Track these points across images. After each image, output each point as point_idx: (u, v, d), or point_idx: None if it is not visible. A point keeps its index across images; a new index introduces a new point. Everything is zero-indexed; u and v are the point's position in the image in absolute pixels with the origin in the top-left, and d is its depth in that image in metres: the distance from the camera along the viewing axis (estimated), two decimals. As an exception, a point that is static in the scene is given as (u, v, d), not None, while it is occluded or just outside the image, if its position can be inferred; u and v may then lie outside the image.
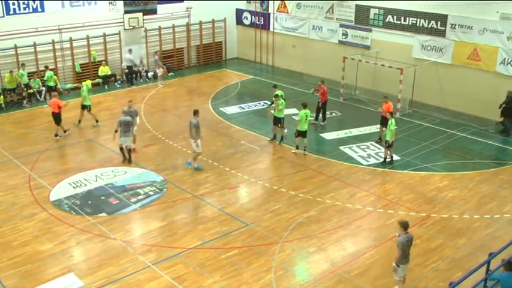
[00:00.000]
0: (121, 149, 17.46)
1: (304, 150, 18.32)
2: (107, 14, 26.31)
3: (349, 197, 15.35)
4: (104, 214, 14.40)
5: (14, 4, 23.47)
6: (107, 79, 26.41)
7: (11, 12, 23.48)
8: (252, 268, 12.05)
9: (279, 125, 19.00)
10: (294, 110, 21.27)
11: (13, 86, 23.42)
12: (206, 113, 22.05)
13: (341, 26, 26.32)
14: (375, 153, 18.37)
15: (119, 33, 27.08)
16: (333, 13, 26.62)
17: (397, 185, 16.13)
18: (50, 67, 24.26)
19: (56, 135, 19.59)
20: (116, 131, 17.23)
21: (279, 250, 12.76)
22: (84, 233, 13.47)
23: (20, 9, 23.69)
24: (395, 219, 13.74)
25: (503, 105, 20.14)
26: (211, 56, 31.34)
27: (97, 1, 25.82)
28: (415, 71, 22.42)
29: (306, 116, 17.96)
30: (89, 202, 15.00)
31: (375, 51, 24.76)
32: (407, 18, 23.55)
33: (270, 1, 29.66)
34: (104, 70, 26.30)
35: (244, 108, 23.22)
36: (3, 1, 23.12)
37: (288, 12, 28.88)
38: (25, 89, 23.75)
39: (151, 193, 15.56)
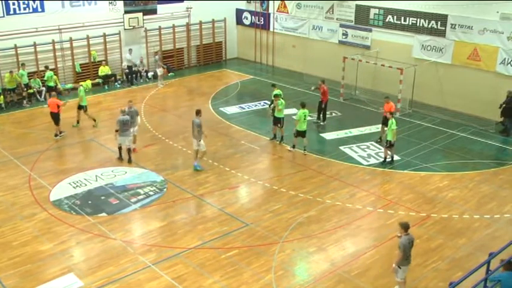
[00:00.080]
0: (119, 148, 17.49)
1: (304, 150, 18.32)
2: (107, 14, 26.31)
3: (349, 197, 15.35)
4: (104, 214, 14.40)
5: (14, 4, 23.47)
6: (107, 79, 26.41)
7: (11, 12, 23.49)
8: (252, 268, 12.06)
9: (279, 125, 19.01)
10: (293, 110, 21.25)
11: (13, 86, 23.42)
12: (206, 113, 22.01)
13: (341, 26, 26.32)
14: (375, 153, 18.37)
15: (119, 33, 27.08)
16: (333, 13, 26.62)
17: (397, 185, 16.13)
18: (50, 67, 24.25)
19: (56, 135, 19.60)
20: (117, 131, 17.24)
21: (279, 250, 12.77)
22: (84, 233, 13.47)
23: (20, 9, 23.70)
24: (396, 219, 13.79)
25: (503, 105, 20.14)
26: (211, 56, 31.35)
27: (97, 1, 25.82)
28: (415, 71, 22.42)
29: (305, 115, 17.97)
30: (89, 202, 15.01)
31: (375, 51, 24.76)
32: (408, 18, 23.55)
33: (270, 1, 29.66)
34: (104, 70, 26.31)
35: (244, 108, 23.22)
36: (3, 1, 23.12)
37: (288, 12, 28.88)
38: (25, 89, 23.75)
39: (151, 193, 15.56)
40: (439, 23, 22.48)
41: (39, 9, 24.19)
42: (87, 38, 25.96)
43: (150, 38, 28.43)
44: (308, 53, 28.06)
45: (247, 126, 20.99)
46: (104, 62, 26.39)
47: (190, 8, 29.29)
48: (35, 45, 24.36)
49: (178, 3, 28.83)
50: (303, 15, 28.10)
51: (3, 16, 23.30)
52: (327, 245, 13.00)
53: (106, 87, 26.24)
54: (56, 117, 19.37)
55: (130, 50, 26.67)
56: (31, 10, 23.98)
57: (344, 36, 26.32)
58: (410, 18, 23.44)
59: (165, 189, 15.77)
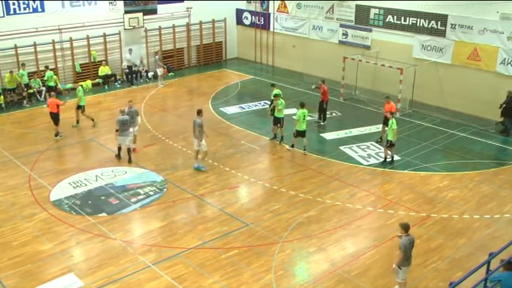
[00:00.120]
0: (119, 148, 17.49)
1: (304, 150, 18.32)
2: (107, 14, 26.32)
3: (349, 197, 15.35)
4: (104, 214, 14.40)
5: (14, 4, 23.47)
6: (107, 79, 26.41)
7: (11, 12, 23.49)
8: (252, 268, 12.06)
9: (279, 125, 19.02)
10: (293, 110, 21.22)
11: (13, 86, 23.42)
12: (206, 113, 21.95)
13: (341, 26, 26.31)
14: (375, 153, 18.37)
15: (119, 33, 27.08)
16: (333, 13, 26.62)
17: (397, 185, 16.13)
18: (50, 67, 24.27)
19: (56, 135, 19.60)
20: (117, 131, 17.25)
21: (279, 250, 12.76)
22: (84, 233, 13.47)
23: (20, 9, 23.70)
24: (396, 220, 13.80)
25: (504, 105, 20.14)
26: (212, 56, 31.35)
27: (97, 1, 25.82)
28: (415, 71, 22.42)
29: (304, 115, 17.97)
30: (89, 202, 15.01)
31: (375, 51, 24.76)
32: (408, 18, 23.55)
33: (270, 1, 29.66)
34: (104, 70, 26.31)
35: (244, 108, 23.22)
36: (3, 1, 23.13)
37: (288, 12, 28.87)
38: (25, 89, 23.75)
39: (151, 193, 15.56)
40: (439, 23, 22.48)
41: (39, 9, 24.20)
42: (87, 38, 25.96)
43: (150, 38, 28.43)
44: (308, 53, 28.06)
45: (247, 126, 20.99)
46: (104, 62, 26.40)
47: (191, 8, 29.29)
48: (35, 45, 24.36)
49: (178, 3, 28.83)
50: (303, 15, 28.10)
51: (3, 16, 23.30)
52: (327, 245, 13.00)
53: (106, 87, 26.24)
54: (55, 117, 19.38)
55: (130, 50, 26.68)
56: (31, 10, 23.99)
57: (344, 36, 26.32)
58: (411, 18, 23.44)
59: (165, 189, 15.77)
